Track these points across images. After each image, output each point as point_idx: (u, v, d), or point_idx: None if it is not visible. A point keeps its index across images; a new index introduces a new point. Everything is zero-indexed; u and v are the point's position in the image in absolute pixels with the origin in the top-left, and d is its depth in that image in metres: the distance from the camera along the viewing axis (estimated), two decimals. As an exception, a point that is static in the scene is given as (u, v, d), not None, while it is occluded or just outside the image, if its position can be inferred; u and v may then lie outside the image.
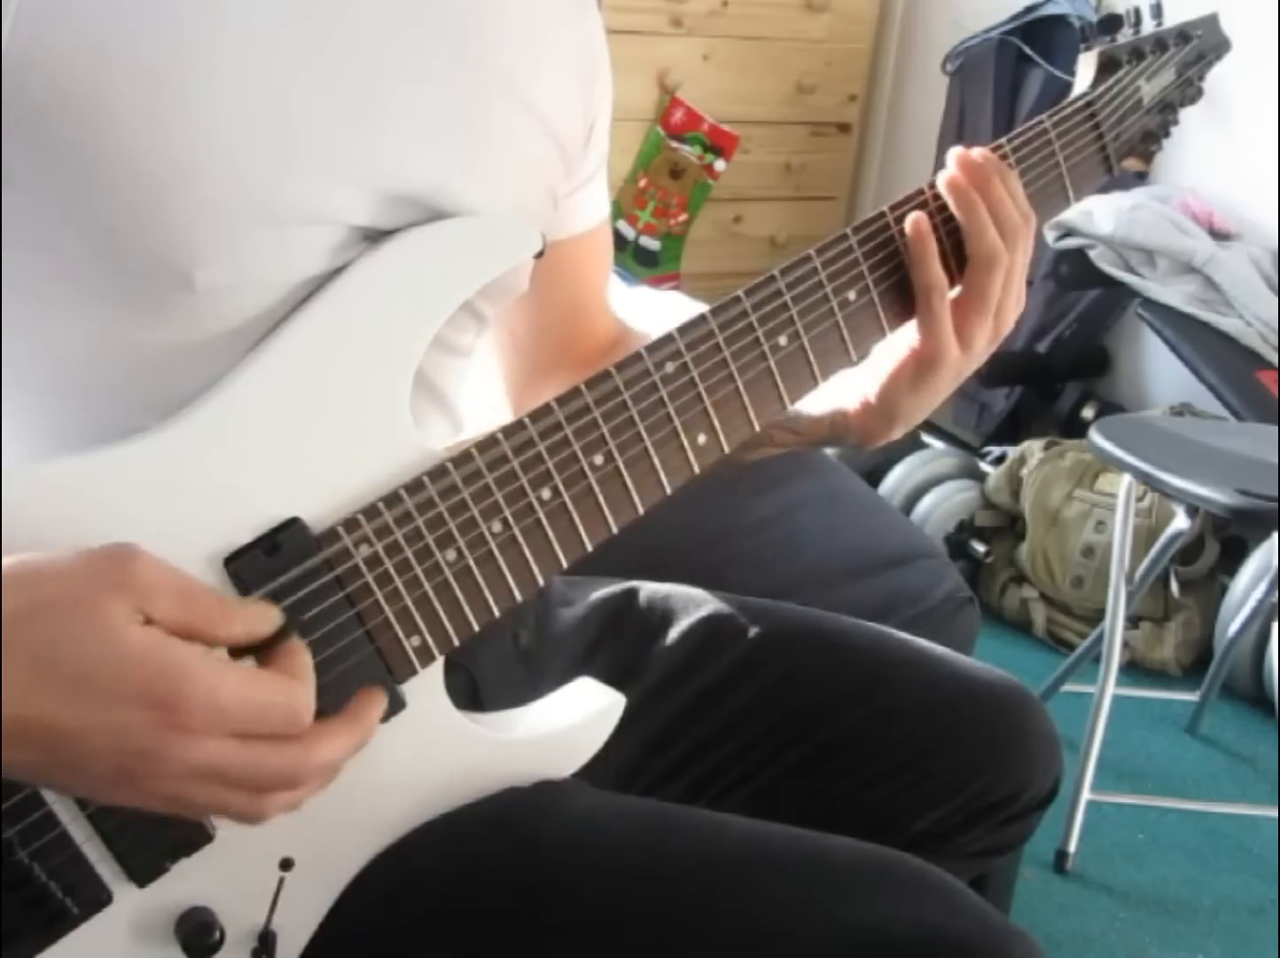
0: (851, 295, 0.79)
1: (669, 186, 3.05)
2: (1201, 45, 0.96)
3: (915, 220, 0.80)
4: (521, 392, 0.95)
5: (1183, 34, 0.95)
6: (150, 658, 0.53)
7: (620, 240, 3.03)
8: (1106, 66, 0.90)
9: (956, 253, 0.81)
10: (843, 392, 0.87)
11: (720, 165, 3.07)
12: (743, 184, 3.13)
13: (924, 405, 0.85)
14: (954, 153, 0.81)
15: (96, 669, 0.53)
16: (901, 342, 0.82)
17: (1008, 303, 0.82)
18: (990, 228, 0.79)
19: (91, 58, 0.61)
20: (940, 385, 0.83)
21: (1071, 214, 2.40)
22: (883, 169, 3.37)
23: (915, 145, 3.17)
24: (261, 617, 0.60)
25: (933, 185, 0.82)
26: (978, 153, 0.81)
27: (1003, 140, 0.84)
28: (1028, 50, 2.71)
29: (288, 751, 0.58)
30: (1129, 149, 0.93)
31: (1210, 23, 0.97)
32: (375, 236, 0.69)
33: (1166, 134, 0.96)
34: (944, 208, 0.81)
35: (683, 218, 3.09)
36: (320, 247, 0.67)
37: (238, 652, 0.60)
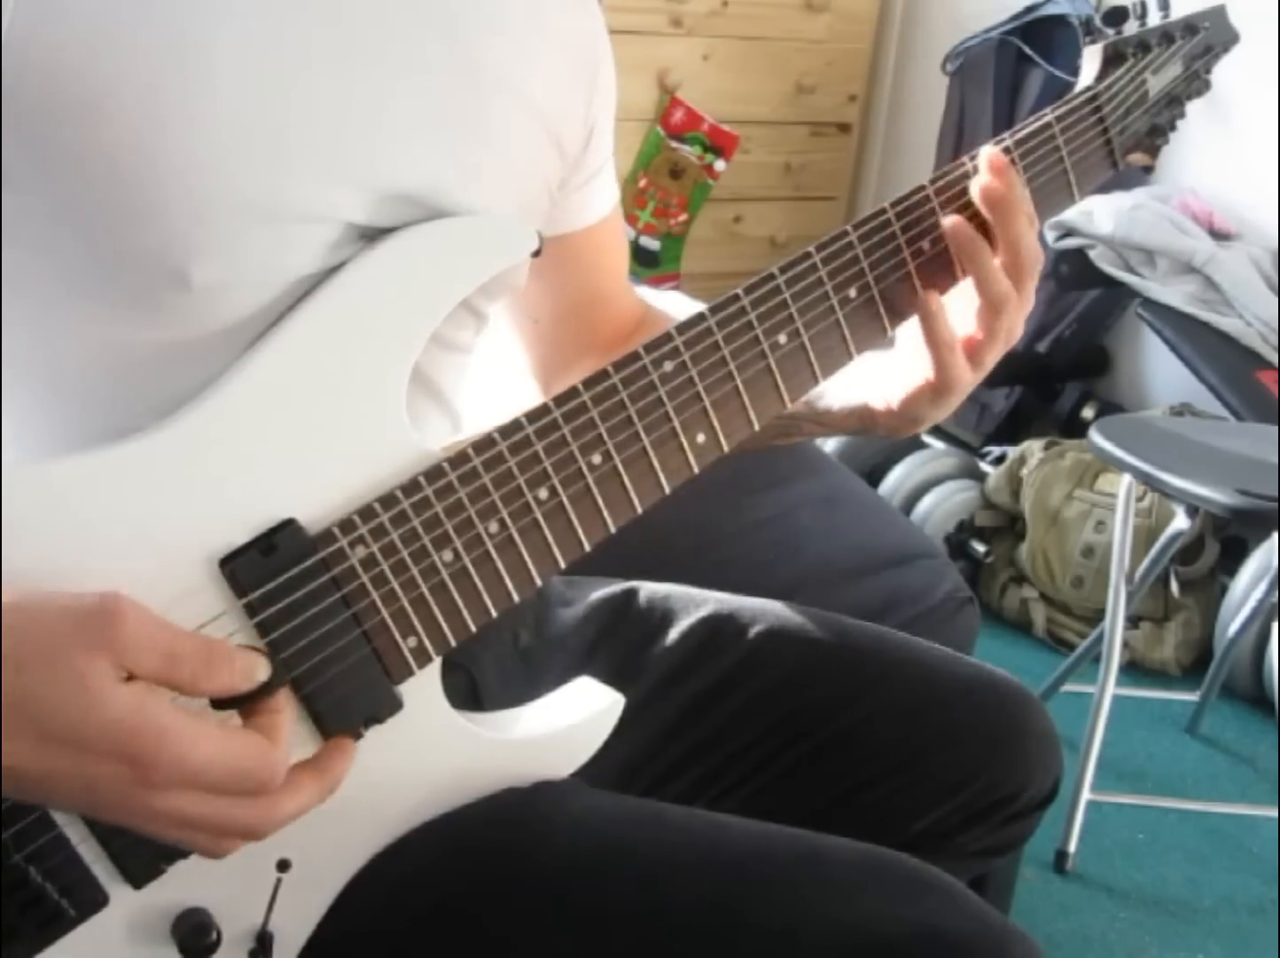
0: (852, 293, 0.78)
1: (669, 186, 3.05)
2: (1209, 37, 0.94)
3: (956, 225, 0.78)
4: (550, 379, 0.97)
5: (1190, 26, 0.93)
6: (127, 719, 0.54)
7: (620, 240, 3.03)
8: (1112, 60, 0.88)
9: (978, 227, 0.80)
10: (870, 388, 0.86)
11: (720, 165, 3.07)
12: (743, 184, 3.13)
13: (946, 411, 0.85)
14: (987, 158, 0.79)
15: (72, 728, 0.53)
16: (917, 370, 0.82)
17: (1017, 322, 0.81)
18: (999, 276, 0.78)
19: (88, 56, 0.61)
20: (956, 399, 0.83)
21: (1071, 214, 2.40)
22: (883, 169, 3.37)
23: (915, 145, 3.17)
24: (244, 673, 0.59)
25: (934, 180, 0.80)
26: (996, 161, 0.79)
27: (1006, 135, 0.83)
28: (1028, 50, 2.71)
29: (255, 806, 0.58)
30: (1134, 144, 0.91)
31: (1218, 14, 0.95)
32: (372, 235, 0.69)
33: (1173, 128, 0.94)
34: (949, 201, 0.80)
35: (683, 218, 3.09)
36: (317, 244, 0.67)
37: (221, 702, 0.59)
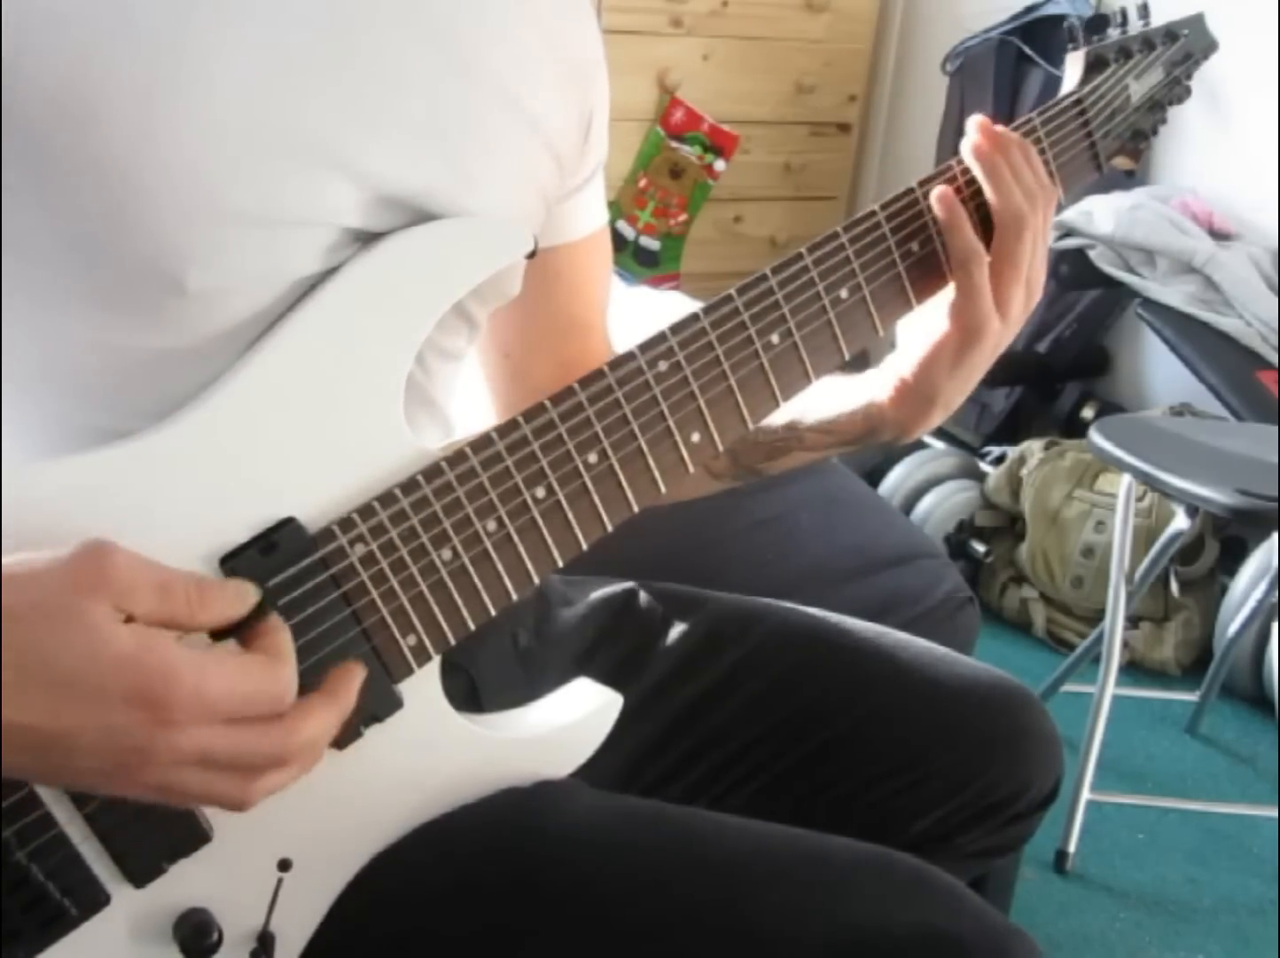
0: (843, 293, 0.79)
1: (669, 186, 3.05)
2: (1188, 45, 0.97)
3: (942, 193, 0.81)
4: None
5: (1170, 33, 0.95)
6: (135, 658, 0.53)
7: (620, 240, 3.03)
8: (1094, 65, 0.90)
9: (982, 225, 0.81)
10: (875, 383, 0.86)
11: (720, 165, 3.07)
12: (743, 184, 3.14)
13: (962, 386, 0.84)
14: (975, 120, 0.82)
15: (82, 672, 0.53)
16: (939, 319, 0.82)
17: (1040, 265, 0.82)
18: (1015, 190, 0.80)
19: (81, 61, 0.61)
20: (980, 360, 0.82)
21: (1071, 214, 2.40)
22: (883, 169, 3.37)
23: (915, 145, 3.17)
24: (237, 598, 0.60)
25: (924, 183, 0.82)
26: (988, 124, 0.82)
27: None
28: (1028, 50, 2.71)
29: (273, 731, 0.58)
30: (1118, 147, 0.93)
31: (1196, 22, 0.98)
32: (367, 238, 0.69)
33: (1155, 133, 0.96)
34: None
35: (683, 218, 3.10)
36: (312, 248, 0.67)
37: (218, 633, 0.60)
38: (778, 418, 0.88)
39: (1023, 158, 0.81)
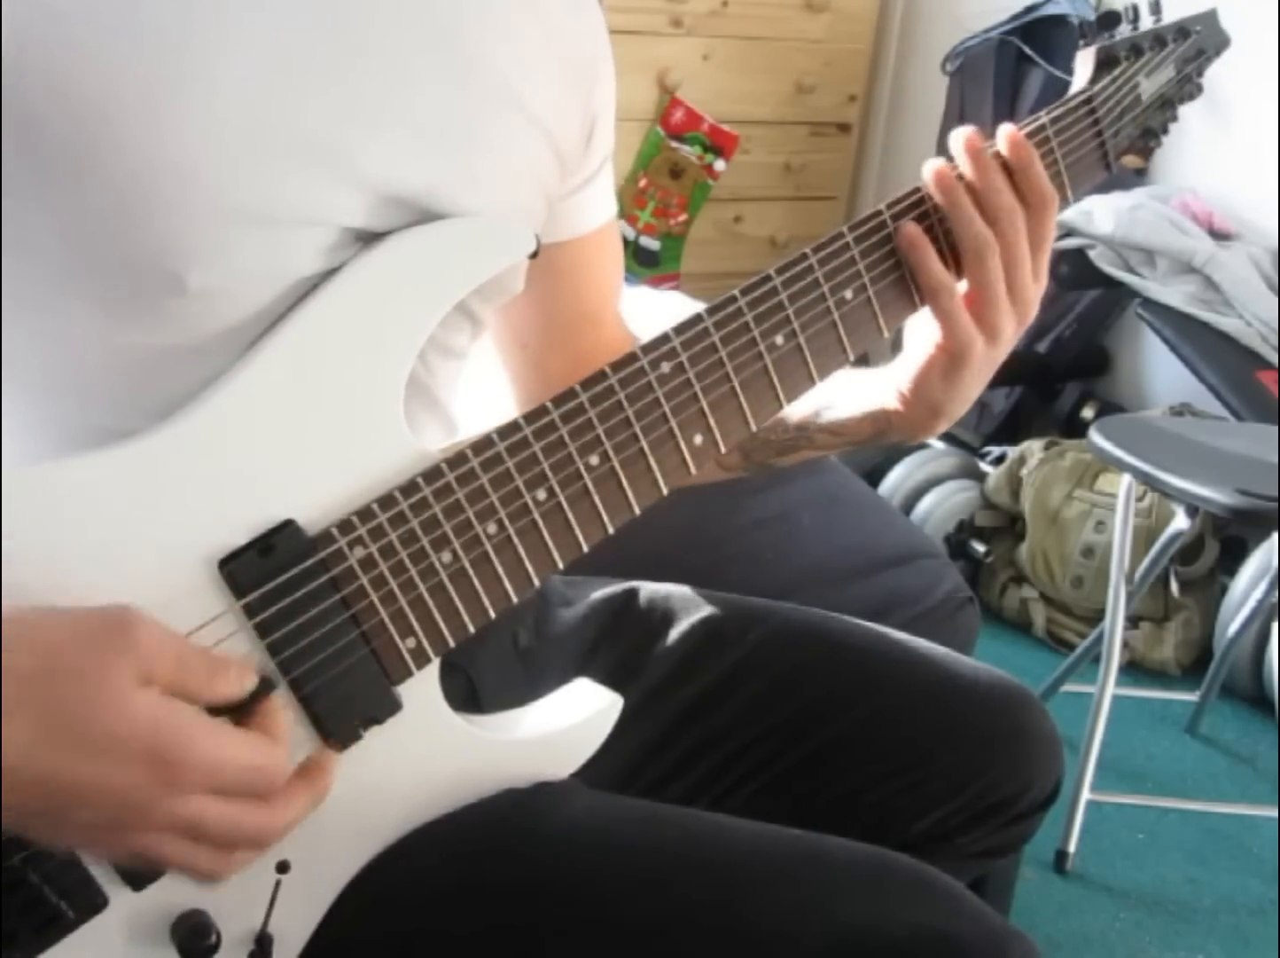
0: (848, 294, 0.78)
1: (669, 186, 3.05)
2: (1200, 41, 0.95)
3: (906, 231, 0.79)
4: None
5: (1181, 30, 0.94)
6: (155, 721, 0.55)
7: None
8: (1105, 63, 0.89)
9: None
10: (880, 390, 0.86)
11: (720, 165, 3.07)
12: (743, 184, 3.13)
13: (964, 396, 0.83)
14: (958, 136, 0.80)
15: (106, 732, 0.54)
16: (926, 339, 0.81)
17: (1020, 286, 0.80)
18: (975, 219, 0.78)
19: (85, 60, 0.61)
20: (975, 376, 0.82)
21: (1071, 214, 2.40)
22: (883, 169, 3.36)
23: (915, 145, 3.17)
24: (238, 679, 0.60)
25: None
26: (970, 143, 0.79)
27: None
28: (1028, 50, 2.71)
29: (260, 811, 0.60)
30: (1128, 146, 0.92)
31: (1209, 19, 0.96)
32: (369, 238, 0.69)
33: (1165, 131, 0.95)
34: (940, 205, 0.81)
35: (683, 218, 3.09)
36: (314, 248, 0.67)
37: (215, 710, 0.60)
38: (790, 417, 0.88)
39: (993, 177, 0.79)
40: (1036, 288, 0.81)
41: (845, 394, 0.87)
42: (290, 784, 0.62)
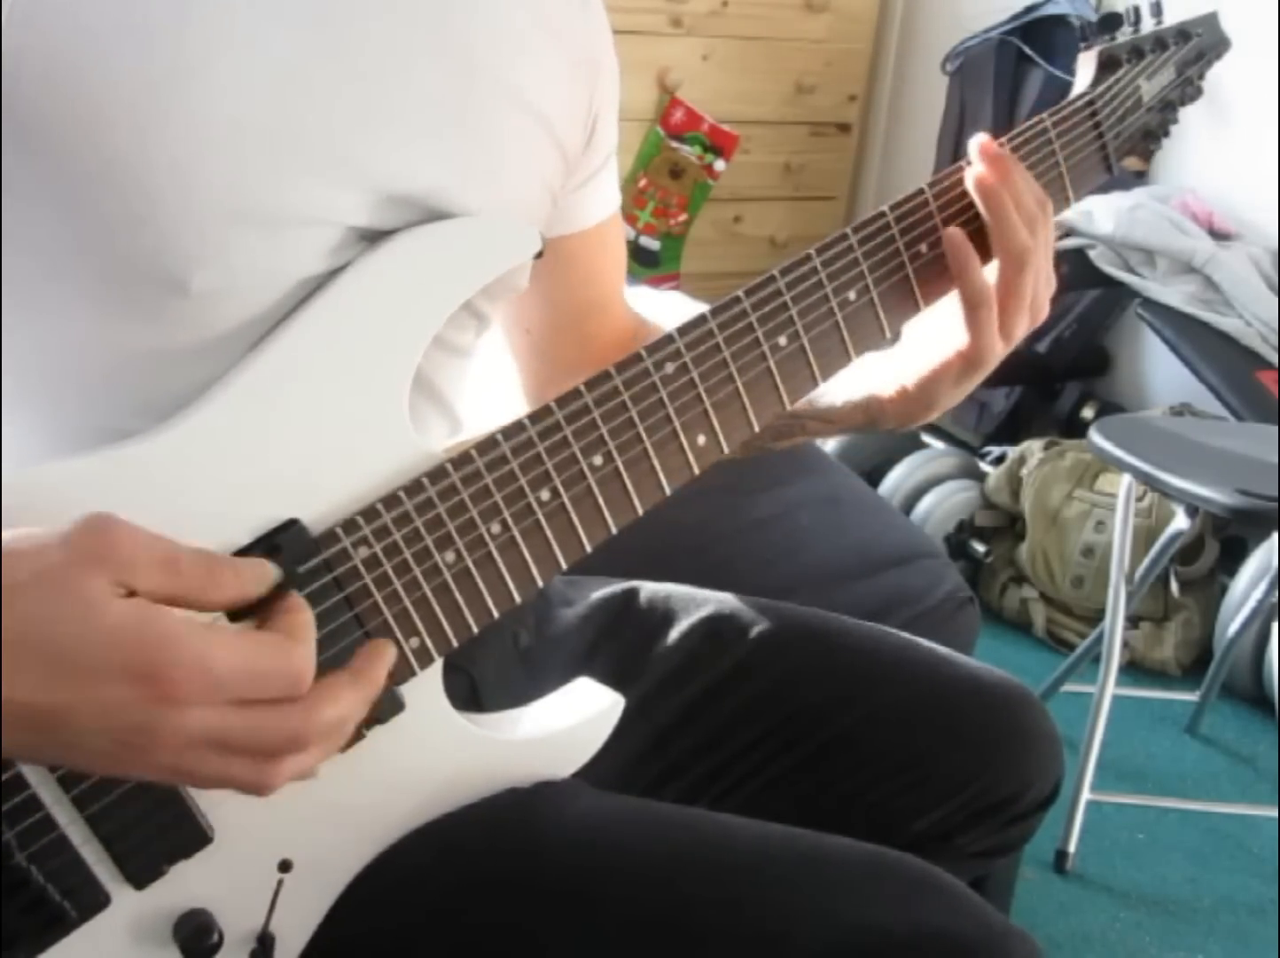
0: (851, 295, 0.78)
1: (669, 186, 3.05)
2: (1201, 44, 0.96)
3: (951, 235, 0.80)
4: (542, 393, 0.94)
5: (1182, 32, 0.94)
6: (131, 631, 0.51)
7: (620, 240, 3.03)
8: (1107, 65, 0.90)
9: (977, 235, 0.81)
10: (877, 378, 0.87)
11: (720, 165, 3.07)
12: (743, 184, 3.13)
13: (964, 394, 0.85)
14: (977, 145, 0.80)
15: (76, 647, 0.51)
16: (948, 343, 0.82)
17: (1041, 290, 0.82)
18: (1020, 227, 0.79)
19: (85, 60, 0.61)
20: (980, 379, 0.83)
21: (1071, 214, 2.40)
22: (883, 169, 3.37)
23: (915, 145, 3.16)
24: (254, 576, 0.57)
25: (933, 184, 0.81)
26: (989, 149, 0.80)
27: (1002, 140, 0.83)
28: (1028, 50, 2.71)
29: (291, 712, 0.55)
30: (1129, 148, 0.92)
31: (1210, 21, 0.97)
32: (373, 237, 0.69)
33: (1166, 133, 0.95)
34: (946, 205, 0.81)
35: (683, 218, 3.09)
36: (317, 248, 0.67)
37: (237, 614, 0.58)
38: None
39: (1023, 179, 0.80)
40: (1048, 291, 0.83)
41: (839, 382, 0.87)
42: (332, 678, 0.58)
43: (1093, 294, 2.63)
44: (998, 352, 0.81)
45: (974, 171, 0.80)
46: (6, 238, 0.63)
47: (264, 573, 0.58)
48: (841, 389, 0.88)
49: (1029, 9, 2.74)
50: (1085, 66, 0.89)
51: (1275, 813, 1.89)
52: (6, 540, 0.52)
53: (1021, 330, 0.82)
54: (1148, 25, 0.92)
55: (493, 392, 0.94)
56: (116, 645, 0.51)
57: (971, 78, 2.84)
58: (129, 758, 0.53)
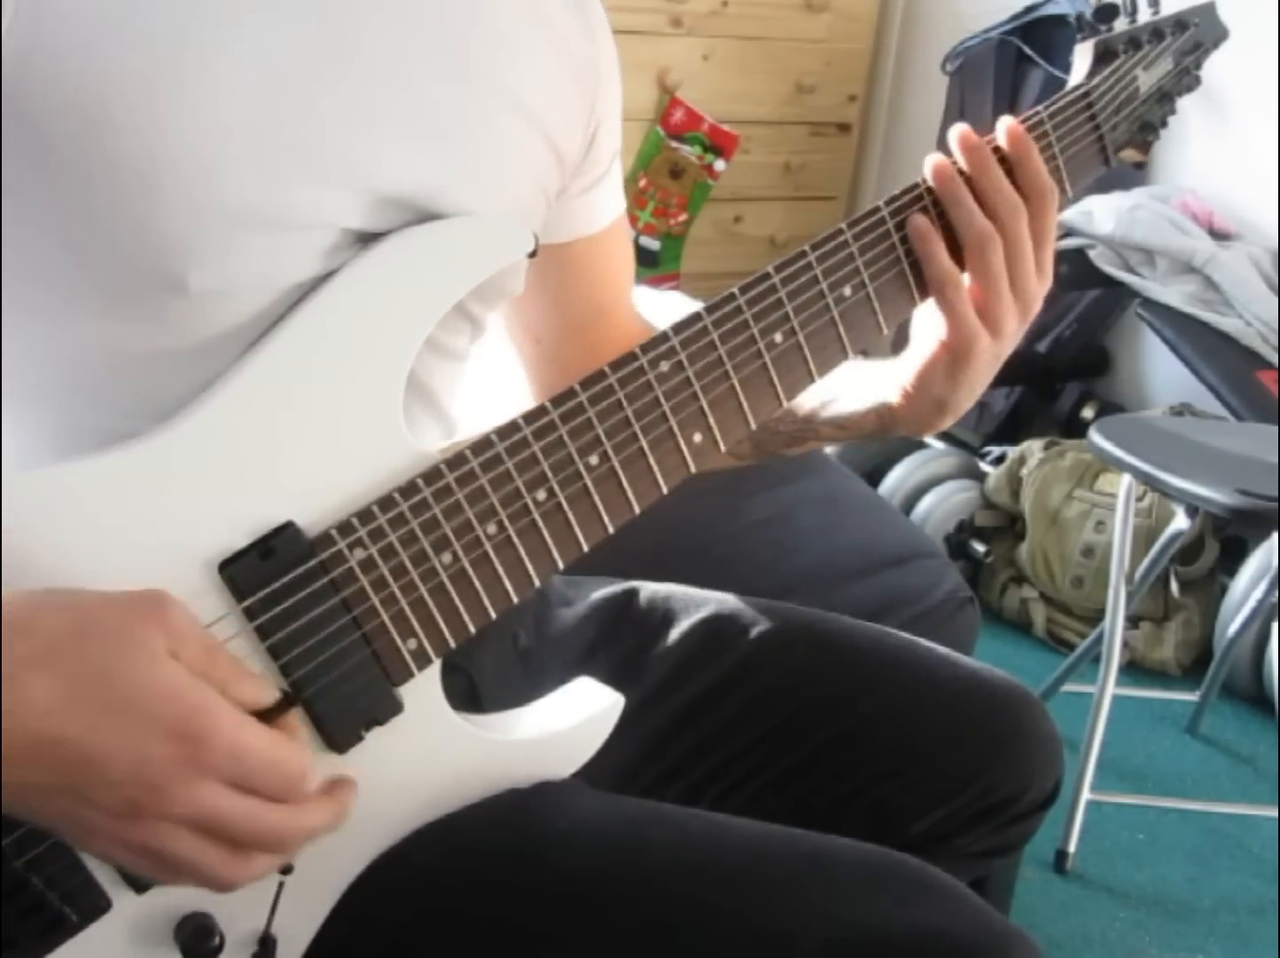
0: (847, 291, 0.78)
1: (669, 186, 3.05)
2: (1199, 34, 0.95)
3: (914, 222, 0.79)
4: None
5: (1180, 22, 0.93)
6: (186, 693, 0.54)
7: (620, 240, 3.03)
8: (1103, 56, 0.89)
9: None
10: (884, 385, 0.86)
11: (720, 165, 3.07)
12: (743, 184, 3.13)
13: (969, 391, 0.83)
14: (955, 132, 0.80)
15: (136, 697, 0.53)
16: (931, 334, 0.81)
17: (1023, 280, 0.80)
18: (976, 213, 0.78)
19: (87, 61, 0.61)
20: (978, 373, 0.82)
21: (1071, 214, 2.40)
22: (883, 169, 3.36)
23: (915, 145, 3.16)
24: (259, 689, 0.60)
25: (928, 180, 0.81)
26: (967, 139, 0.80)
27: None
28: (1028, 50, 2.71)
29: (282, 812, 0.58)
30: (1126, 139, 0.92)
31: (1207, 11, 0.96)
32: (368, 239, 0.69)
33: (1164, 124, 0.94)
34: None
35: (683, 218, 3.09)
36: (313, 250, 0.67)
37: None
38: (799, 409, 0.89)
39: (993, 173, 0.79)
40: (1041, 284, 0.81)
41: (850, 388, 0.87)
42: (314, 796, 0.61)
43: (1093, 294, 2.63)
44: (983, 341, 0.79)
45: (933, 158, 0.80)
46: (6, 237, 0.63)
47: (270, 688, 0.60)
48: (855, 396, 0.88)
49: (1029, 9, 2.73)
50: (1081, 58, 0.88)
51: (1275, 813, 1.89)
52: (65, 588, 0.55)
53: (1011, 322, 0.80)
54: (1145, 16, 0.92)
55: (486, 397, 0.94)
56: (170, 701, 0.54)
57: (971, 78, 2.84)
58: (119, 825, 0.55)
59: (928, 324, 0.82)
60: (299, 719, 0.62)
